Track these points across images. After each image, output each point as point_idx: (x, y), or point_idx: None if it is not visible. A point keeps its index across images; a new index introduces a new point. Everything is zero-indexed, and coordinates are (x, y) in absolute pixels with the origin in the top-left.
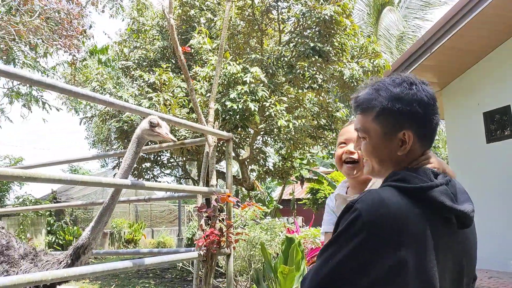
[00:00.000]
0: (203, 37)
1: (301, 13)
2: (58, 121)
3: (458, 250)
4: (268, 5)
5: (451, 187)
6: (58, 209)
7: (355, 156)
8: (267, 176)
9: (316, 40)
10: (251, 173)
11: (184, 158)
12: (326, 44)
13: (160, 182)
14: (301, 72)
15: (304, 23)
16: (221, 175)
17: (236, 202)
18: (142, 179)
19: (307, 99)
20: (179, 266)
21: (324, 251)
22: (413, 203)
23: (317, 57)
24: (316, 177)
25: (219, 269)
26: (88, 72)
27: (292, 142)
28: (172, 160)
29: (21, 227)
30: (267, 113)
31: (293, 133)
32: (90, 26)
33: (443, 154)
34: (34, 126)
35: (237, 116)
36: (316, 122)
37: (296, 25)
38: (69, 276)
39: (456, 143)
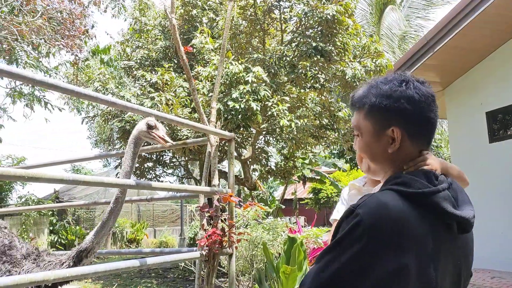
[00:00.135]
0: (205, 37)
1: (303, 13)
2: (60, 121)
3: (458, 255)
4: (270, 4)
5: (452, 191)
6: (60, 209)
7: None
8: (269, 176)
9: (318, 39)
10: (253, 173)
11: (186, 158)
12: (328, 44)
13: (162, 181)
14: (303, 72)
15: (306, 23)
16: (223, 174)
17: (238, 202)
18: (144, 178)
19: (309, 99)
20: (181, 266)
21: (325, 255)
22: (414, 207)
23: (319, 56)
24: (318, 177)
25: (221, 269)
26: (90, 72)
27: (294, 141)
28: (174, 160)
29: (24, 226)
30: (269, 112)
31: (295, 133)
32: (92, 26)
33: (446, 154)
34: (36, 126)
35: (239, 116)
36: (318, 121)
37: (298, 25)
38: (71, 276)
39: (458, 143)
